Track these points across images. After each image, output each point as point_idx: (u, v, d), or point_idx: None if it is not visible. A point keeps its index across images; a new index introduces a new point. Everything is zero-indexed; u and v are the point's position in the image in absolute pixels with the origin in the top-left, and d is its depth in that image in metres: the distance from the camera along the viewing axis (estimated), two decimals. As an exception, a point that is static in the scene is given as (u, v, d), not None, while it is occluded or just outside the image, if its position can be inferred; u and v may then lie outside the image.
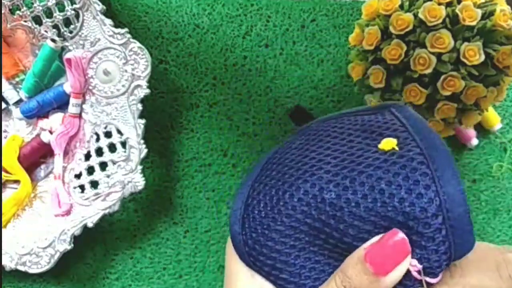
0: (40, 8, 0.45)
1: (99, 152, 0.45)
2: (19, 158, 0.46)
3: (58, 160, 0.45)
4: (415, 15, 0.36)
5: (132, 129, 0.43)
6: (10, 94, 0.47)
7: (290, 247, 0.26)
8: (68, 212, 0.44)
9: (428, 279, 0.24)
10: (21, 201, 0.46)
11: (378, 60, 0.39)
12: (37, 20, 0.45)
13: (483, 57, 0.35)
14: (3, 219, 0.45)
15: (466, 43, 0.36)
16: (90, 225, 0.43)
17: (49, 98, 0.45)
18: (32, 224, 0.45)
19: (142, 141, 0.43)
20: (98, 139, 0.45)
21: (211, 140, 0.48)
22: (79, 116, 0.46)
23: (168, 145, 0.48)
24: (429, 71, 0.36)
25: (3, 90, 0.46)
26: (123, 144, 0.44)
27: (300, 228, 0.26)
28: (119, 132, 0.44)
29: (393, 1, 0.38)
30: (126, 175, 0.43)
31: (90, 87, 0.45)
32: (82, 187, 0.45)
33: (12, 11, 0.45)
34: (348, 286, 0.24)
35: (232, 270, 0.29)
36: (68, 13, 0.44)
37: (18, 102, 0.47)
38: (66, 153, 0.46)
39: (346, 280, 0.24)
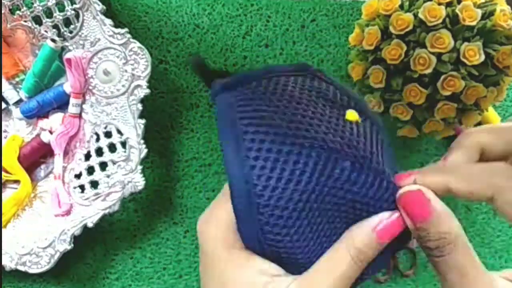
0: (40, 8, 0.45)
1: (99, 152, 0.45)
2: (19, 158, 0.46)
3: (58, 160, 0.45)
4: (415, 15, 0.36)
5: (132, 129, 0.43)
6: (10, 94, 0.47)
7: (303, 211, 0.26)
8: (68, 212, 0.44)
9: None
10: (21, 201, 0.46)
11: (378, 60, 0.39)
12: (37, 20, 0.45)
13: (483, 57, 0.35)
14: (3, 219, 0.45)
15: (466, 43, 0.36)
16: (90, 225, 0.43)
17: (49, 98, 0.45)
18: (32, 224, 0.45)
19: (142, 141, 0.43)
20: (98, 139, 0.45)
21: (211, 140, 0.48)
22: (79, 116, 0.46)
23: (168, 145, 0.48)
24: (429, 71, 0.36)
25: (3, 90, 0.46)
26: (123, 144, 0.44)
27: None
28: (119, 132, 0.44)
29: (393, 1, 0.38)
30: (126, 175, 0.43)
31: (90, 87, 0.45)
32: (82, 187, 0.45)
33: (12, 11, 0.45)
34: (355, 253, 0.26)
35: (221, 256, 0.27)
36: (68, 13, 0.44)
37: (18, 102, 0.47)
38: (66, 153, 0.46)
39: (353, 247, 0.26)
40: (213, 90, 0.30)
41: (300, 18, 0.47)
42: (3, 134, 0.47)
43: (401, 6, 0.38)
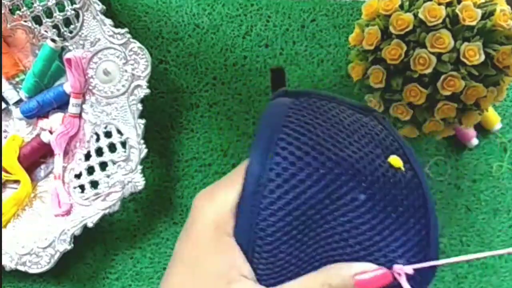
0: (40, 8, 0.45)
1: (99, 152, 0.45)
2: (19, 158, 0.46)
3: (58, 160, 0.45)
4: (415, 15, 0.36)
5: (132, 129, 0.43)
6: (10, 94, 0.47)
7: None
8: (68, 212, 0.44)
9: None
10: (21, 201, 0.46)
11: (378, 60, 0.39)
12: (37, 20, 0.45)
13: (483, 57, 0.35)
14: (3, 219, 0.45)
15: (466, 43, 0.36)
16: (90, 225, 0.43)
17: (49, 98, 0.45)
18: (32, 224, 0.45)
19: (142, 141, 0.43)
20: (98, 139, 0.45)
21: (211, 140, 0.48)
22: (79, 116, 0.46)
23: (168, 145, 0.48)
24: (429, 71, 0.36)
25: (3, 90, 0.46)
26: (123, 144, 0.44)
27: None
28: (119, 132, 0.44)
29: (393, 1, 0.38)
30: (126, 175, 0.43)
31: (90, 87, 0.45)
32: (82, 187, 0.45)
33: (12, 11, 0.45)
34: None
35: (206, 234, 0.27)
36: (68, 13, 0.44)
37: (18, 102, 0.47)
38: (66, 153, 0.46)
39: (328, 285, 0.26)
40: (275, 93, 0.31)
41: (300, 18, 0.47)
42: (3, 134, 0.47)
43: (401, 6, 0.38)
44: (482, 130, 0.48)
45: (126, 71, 0.43)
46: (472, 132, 0.47)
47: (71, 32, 0.45)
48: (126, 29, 0.42)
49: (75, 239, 0.43)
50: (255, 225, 0.26)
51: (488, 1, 0.38)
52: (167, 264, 0.49)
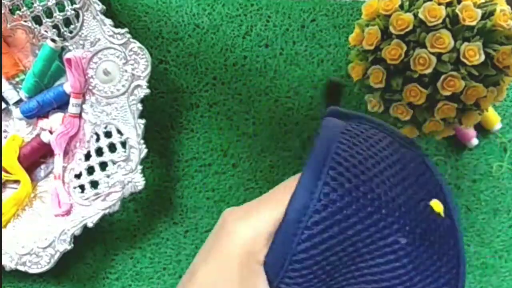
0: (40, 8, 0.45)
1: (99, 152, 0.45)
2: (19, 158, 0.46)
3: (58, 160, 0.45)
4: (415, 15, 0.36)
5: (132, 129, 0.43)
6: (10, 94, 0.47)
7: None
8: (68, 212, 0.44)
9: None
10: (21, 201, 0.46)
11: (378, 60, 0.39)
12: (37, 20, 0.45)
13: (483, 57, 0.35)
14: (3, 219, 0.45)
15: (466, 43, 0.35)
16: (90, 225, 0.43)
17: (49, 98, 0.45)
18: (32, 224, 0.45)
19: (142, 141, 0.43)
20: (98, 139, 0.45)
21: (211, 140, 0.48)
22: (79, 116, 0.46)
23: (168, 145, 0.48)
24: (429, 71, 0.36)
25: (3, 90, 0.46)
26: (123, 144, 0.44)
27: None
28: (119, 132, 0.44)
29: (393, 1, 0.38)
30: (126, 175, 0.43)
31: (90, 87, 0.45)
32: (82, 187, 0.45)
33: (12, 11, 0.45)
34: None
35: (236, 256, 0.25)
36: (68, 13, 0.44)
37: (18, 102, 0.47)
38: (66, 153, 0.46)
39: None
40: (329, 110, 0.30)
41: (300, 18, 0.47)
42: (3, 134, 0.47)
43: (401, 6, 0.38)
44: (482, 130, 0.48)
45: (126, 71, 0.43)
46: (472, 132, 0.47)
47: (71, 32, 0.45)
48: (126, 29, 0.42)
49: (75, 239, 0.43)
50: (291, 255, 0.25)
51: (488, 1, 0.38)
52: (167, 264, 0.49)
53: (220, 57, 0.47)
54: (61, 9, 0.44)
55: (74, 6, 0.43)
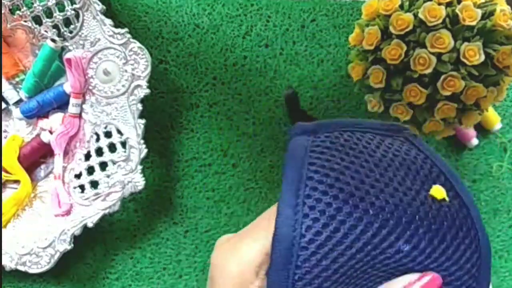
0: (40, 8, 0.45)
1: (99, 152, 0.45)
2: (19, 158, 0.46)
3: (58, 160, 0.45)
4: (415, 15, 0.36)
5: (132, 129, 0.43)
6: (10, 94, 0.47)
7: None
8: (68, 212, 0.44)
9: None
10: (21, 201, 0.46)
11: (378, 60, 0.39)
12: (37, 20, 0.45)
13: (483, 57, 0.35)
14: (3, 219, 0.45)
15: (466, 43, 0.35)
16: (90, 225, 0.43)
17: (49, 98, 0.45)
18: (32, 224, 0.45)
19: (142, 141, 0.43)
20: (98, 139, 0.45)
21: (211, 140, 0.48)
22: (79, 116, 0.46)
23: (168, 145, 0.48)
24: (429, 71, 0.36)
25: (3, 90, 0.46)
26: (123, 144, 0.44)
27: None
28: (119, 132, 0.44)
29: (393, 1, 0.38)
30: (126, 175, 0.43)
31: (90, 87, 0.45)
32: (82, 187, 0.45)
33: (12, 11, 0.45)
34: None
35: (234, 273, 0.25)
36: (68, 13, 0.44)
37: (18, 102, 0.47)
38: (66, 153, 0.46)
39: None
40: (292, 131, 0.28)
41: (300, 18, 0.47)
42: (3, 134, 0.47)
43: (401, 6, 0.38)
44: (482, 130, 0.48)
45: (126, 71, 0.43)
46: (472, 132, 0.47)
47: (71, 32, 0.45)
48: (126, 29, 0.42)
49: (75, 239, 0.43)
50: (292, 282, 0.23)
51: (488, 1, 0.38)
52: (167, 264, 0.49)
53: (220, 57, 0.47)
54: (61, 9, 0.44)
55: (74, 6, 0.43)
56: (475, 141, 0.47)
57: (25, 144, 0.47)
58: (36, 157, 0.47)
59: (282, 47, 0.47)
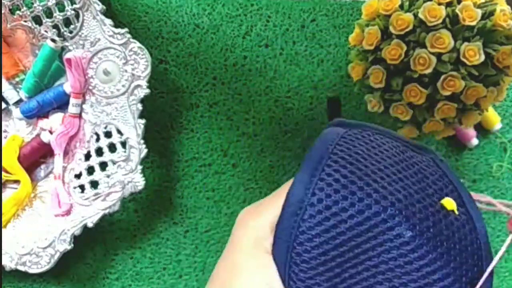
0: (40, 8, 0.45)
1: (99, 152, 0.45)
2: (19, 158, 0.46)
3: (58, 160, 0.45)
4: (415, 15, 0.36)
5: (132, 129, 0.43)
6: (10, 94, 0.47)
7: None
8: (68, 212, 0.44)
9: None
10: (21, 201, 0.46)
11: (378, 60, 0.39)
12: (37, 20, 0.45)
13: (483, 57, 0.35)
14: (3, 219, 0.45)
15: (466, 43, 0.35)
16: (90, 225, 0.43)
17: (49, 98, 0.45)
18: (32, 224, 0.45)
19: (142, 141, 0.43)
20: (98, 139, 0.45)
21: (211, 140, 0.48)
22: (79, 116, 0.46)
23: (168, 145, 0.48)
24: (429, 71, 0.36)
25: (3, 90, 0.46)
26: (123, 144, 0.44)
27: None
28: (119, 132, 0.44)
29: (393, 1, 0.38)
30: (126, 175, 0.43)
31: (90, 87, 0.45)
32: (82, 187, 0.45)
33: (12, 11, 0.45)
34: None
35: (248, 246, 0.27)
36: (68, 13, 0.44)
37: (18, 102, 0.47)
38: (66, 153, 0.46)
39: None
40: (330, 122, 0.30)
41: (300, 18, 0.47)
42: (3, 134, 0.47)
43: (401, 6, 0.38)
44: (482, 130, 0.48)
45: (126, 71, 0.43)
46: (472, 132, 0.47)
47: (71, 32, 0.45)
48: (126, 29, 0.42)
49: (75, 239, 0.43)
50: (292, 248, 0.25)
51: (488, 1, 0.38)
52: (167, 264, 0.49)
53: (220, 57, 0.47)
54: (61, 9, 0.44)
55: (74, 6, 0.43)
56: (475, 141, 0.47)
57: (25, 144, 0.47)
58: (36, 157, 0.47)
59: (282, 47, 0.47)
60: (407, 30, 0.37)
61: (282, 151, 0.48)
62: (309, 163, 0.26)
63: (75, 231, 0.43)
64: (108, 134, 0.45)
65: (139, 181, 0.43)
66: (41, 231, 0.44)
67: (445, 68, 0.36)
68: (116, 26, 0.43)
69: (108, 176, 0.44)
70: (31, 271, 0.44)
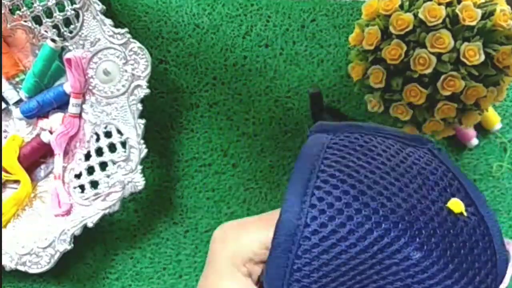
0: (40, 8, 0.45)
1: (99, 152, 0.45)
2: (19, 158, 0.46)
3: (58, 160, 0.45)
4: (415, 15, 0.36)
5: (132, 129, 0.43)
6: (10, 94, 0.47)
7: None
8: (68, 212, 0.44)
9: None
10: (21, 201, 0.46)
11: (378, 60, 0.39)
12: (37, 20, 0.45)
13: (483, 57, 0.35)
14: (3, 219, 0.45)
15: (466, 43, 0.35)
16: (90, 225, 0.43)
17: (49, 98, 0.45)
18: (32, 224, 0.45)
19: (142, 141, 0.43)
20: (98, 139, 0.45)
21: (211, 140, 0.48)
22: (79, 116, 0.46)
23: (168, 145, 0.48)
24: (429, 71, 0.36)
25: (3, 90, 0.46)
26: (123, 144, 0.44)
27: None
28: (119, 132, 0.44)
29: (393, 1, 0.38)
30: (126, 175, 0.43)
31: (90, 87, 0.45)
32: (82, 187, 0.45)
33: (12, 11, 0.45)
34: None
35: (224, 270, 0.26)
36: (68, 13, 0.44)
37: (18, 102, 0.47)
38: (66, 153, 0.46)
39: None
40: (313, 129, 0.27)
41: (300, 18, 0.47)
42: (3, 134, 0.47)
43: (401, 6, 0.38)
44: (482, 130, 0.48)
45: (126, 71, 0.43)
46: (472, 132, 0.47)
47: (71, 32, 0.45)
48: (126, 29, 0.42)
49: (75, 239, 0.43)
50: (289, 275, 0.23)
51: (488, 1, 0.38)
52: (167, 264, 0.49)
53: (220, 57, 0.47)
54: (61, 9, 0.44)
55: (74, 6, 0.43)
56: (475, 141, 0.47)
57: (25, 144, 0.47)
58: (36, 157, 0.47)
59: (282, 47, 0.47)
60: (407, 30, 0.37)
61: (282, 151, 0.48)
62: (296, 187, 0.23)
63: (75, 231, 0.43)
64: (108, 134, 0.45)
65: (139, 181, 0.43)
66: (41, 231, 0.44)
67: (445, 68, 0.36)
68: (116, 26, 0.43)
69: (108, 176, 0.44)
70: (31, 271, 0.44)
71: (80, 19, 0.44)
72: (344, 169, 0.24)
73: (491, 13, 0.37)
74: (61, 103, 0.46)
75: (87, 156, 0.45)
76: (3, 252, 0.44)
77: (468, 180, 0.26)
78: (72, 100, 0.45)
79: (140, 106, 0.43)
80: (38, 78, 0.45)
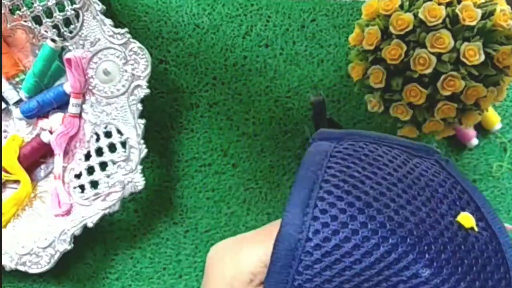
0: (40, 8, 0.45)
1: (99, 152, 0.45)
2: (19, 158, 0.46)
3: (58, 160, 0.45)
4: (415, 15, 0.36)
5: (132, 129, 0.43)
6: (10, 94, 0.47)
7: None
8: (68, 212, 0.44)
9: None
10: (21, 201, 0.46)
11: (378, 60, 0.39)
12: (37, 20, 0.45)
13: (483, 57, 0.35)
14: (3, 219, 0.45)
15: (466, 43, 0.36)
16: (90, 225, 0.43)
17: (49, 98, 0.45)
18: (32, 224, 0.45)
19: (142, 141, 0.43)
20: (98, 139, 0.45)
21: (211, 140, 0.48)
22: (79, 116, 0.46)
23: (168, 145, 0.48)
24: (429, 71, 0.36)
25: (3, 90, 0.46)
26: (123, 144, 0.44)
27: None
28: (119, 132, 0.44)
29: (393, 1, 0.38)
30: (126, 175, 0.43)
31: (90, 87, 0.45)
32: (82, 187, 0.45)
33: (12, 11, 0.45)
34: None
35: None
36: (68, 13, 0.44)
37: (18, 102, 0.47)
38: (66, 153, 0.46)
39: None
40: (316, 136, 0.26)
41: (300, 18, 0.47)
42: (3, 134, 0.47)
43: (401, 6, 0.38)
44: (482, 130, 0.48)
45: (126, 71, 0.43)
46: (472, 132, 0.47)
47: (71, 32, 0.45)
48: (126, 29, 0.42)
49: (75, 239, 0.43)
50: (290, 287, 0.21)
51: (488, 1, 0.38)
52: (167, 264, 0.49)
53: (220, 57, 0.47)
54: (61, 9, 0.44)
55: (74, 6, 0.43)
56: (475, 141, 0.47)
57: (25, 144, 0.47)
58: (36, 157, 0.47)
59: (282, 47, 0.47)
60: (407, 30, 0.37)
61: (282, 151, 0.48)
62: (298, 198, 0.22)
63: (75, 231, 0.43)
64: (108, 134, 0.45)
65: (139, 181, 0.43)
66: (41, 231, 0.44)
67: (445, 68, 0.36)
68: (116, 26, 0.43)
69: (108, 176, 0.44)
70: (31, 271, 0.44)
71: (80, 19, 0.44)
72: (349, 179, 0.22)
73: (491, 13, 0.37)
74: (61, 103, 0.46)
75: (87, 156, 0.45)
76: (3, 252, 0.44)
77: (478, 193, 0.25)
78: (72, 100, 0.45)
79: (140, 106, 0.43)
80: (38, 78, 0.45)
